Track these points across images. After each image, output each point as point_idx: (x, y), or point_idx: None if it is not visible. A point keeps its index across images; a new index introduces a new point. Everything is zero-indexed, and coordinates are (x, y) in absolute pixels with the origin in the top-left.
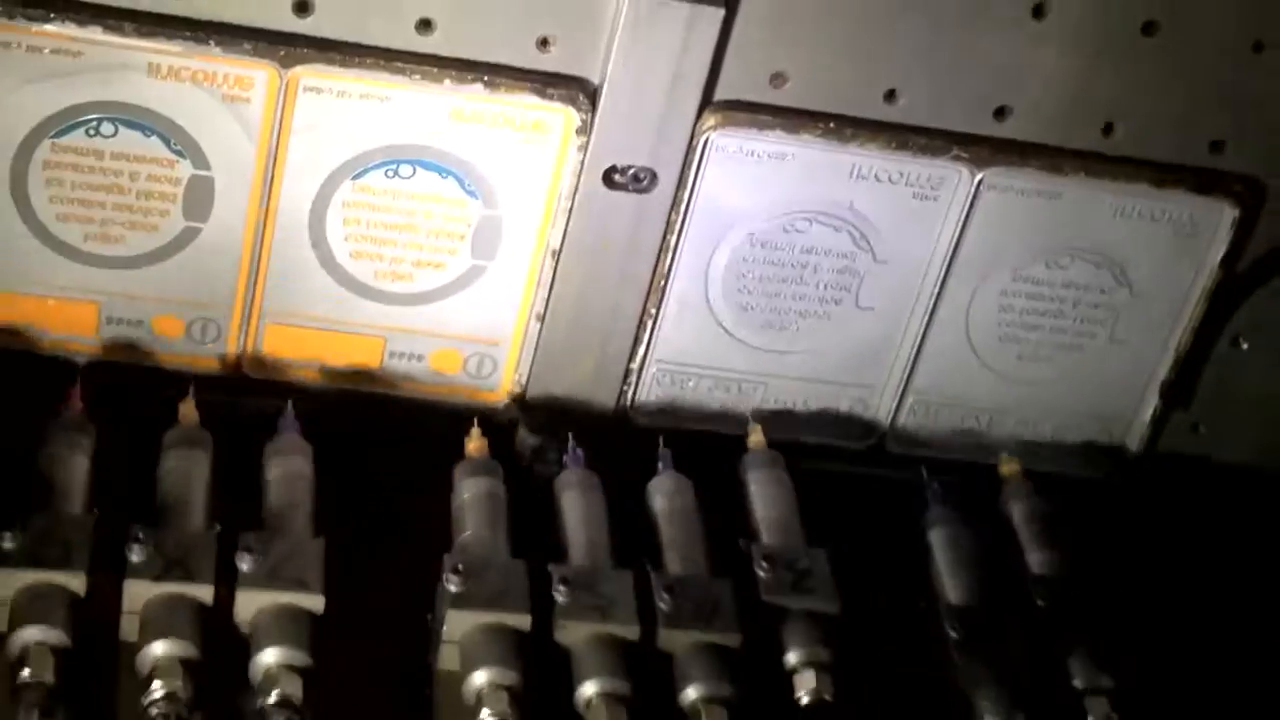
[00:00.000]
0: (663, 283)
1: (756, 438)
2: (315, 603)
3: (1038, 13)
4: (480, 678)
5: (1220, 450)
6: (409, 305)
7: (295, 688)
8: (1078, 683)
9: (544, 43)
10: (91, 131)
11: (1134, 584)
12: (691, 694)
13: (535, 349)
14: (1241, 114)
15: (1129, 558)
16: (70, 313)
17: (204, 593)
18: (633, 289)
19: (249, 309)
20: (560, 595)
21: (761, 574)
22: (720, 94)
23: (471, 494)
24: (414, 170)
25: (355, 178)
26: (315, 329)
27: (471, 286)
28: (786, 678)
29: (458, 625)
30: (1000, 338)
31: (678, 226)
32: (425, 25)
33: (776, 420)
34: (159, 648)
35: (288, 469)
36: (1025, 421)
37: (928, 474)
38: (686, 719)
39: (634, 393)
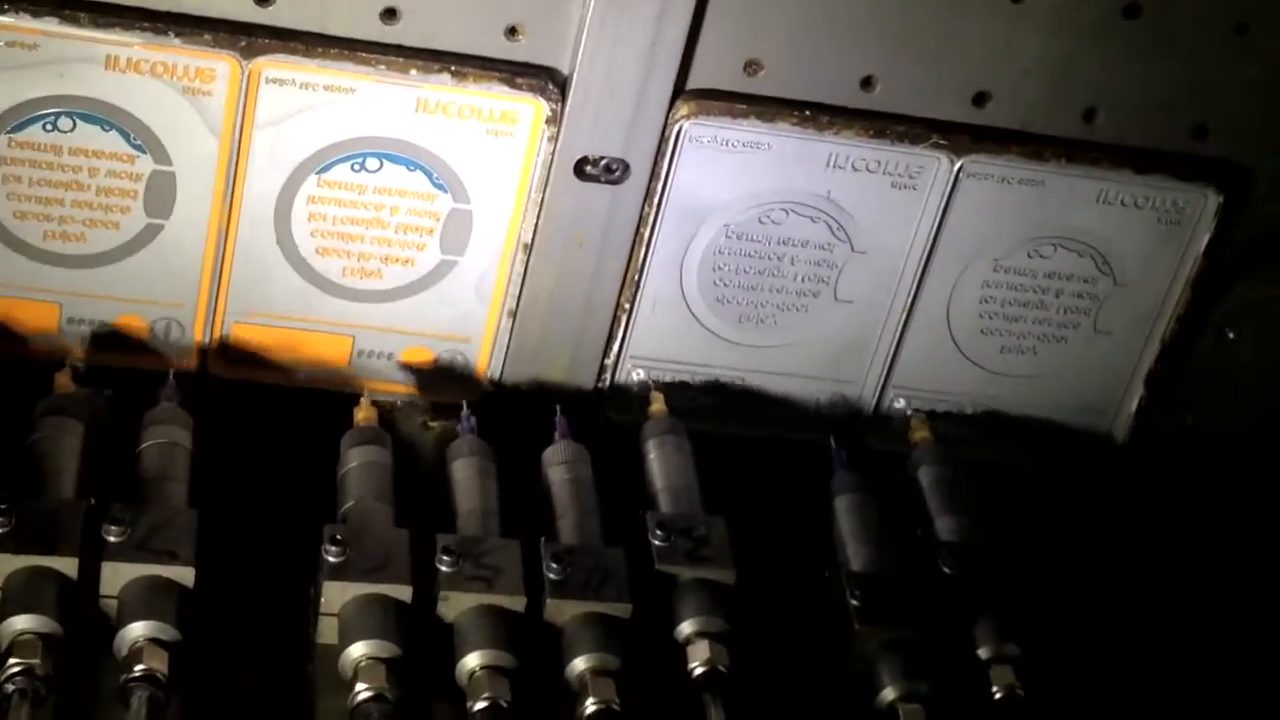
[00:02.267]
0: (637, 276)
1: (657, 405)
2: (185, 575)
3: None
4: (357, 650)
5: (1207, 439)
6: (377, 302)
7: (160, 662)
8: (982, 652)
9: (512, 31)
10: (49, 126)
11: (1120, 569)
12: (579, 665)
13: (508, 346)
14: (1225, 98)
15: (1115, 549)
16: (31, 313)
17: (67, 565)
18: (606, 283)
19: (213, 308)
20: (444, 565)
21: (656, 542)
22: (693, 82)
23: (357, 463)
24: (381, 163)
25: (320, 172)
26: (282, 327)
27: (441, 282)
28: (681, 648)
29: (336, 596)
30: (982, 329)
31: (651, 219)
32: (390, 14)
33: (755, 415)
34: (18, 622)
35: (163, 439)
36: (1009, 414)
37: (835, 443)
38: (573, 691)
39: (609, 388)
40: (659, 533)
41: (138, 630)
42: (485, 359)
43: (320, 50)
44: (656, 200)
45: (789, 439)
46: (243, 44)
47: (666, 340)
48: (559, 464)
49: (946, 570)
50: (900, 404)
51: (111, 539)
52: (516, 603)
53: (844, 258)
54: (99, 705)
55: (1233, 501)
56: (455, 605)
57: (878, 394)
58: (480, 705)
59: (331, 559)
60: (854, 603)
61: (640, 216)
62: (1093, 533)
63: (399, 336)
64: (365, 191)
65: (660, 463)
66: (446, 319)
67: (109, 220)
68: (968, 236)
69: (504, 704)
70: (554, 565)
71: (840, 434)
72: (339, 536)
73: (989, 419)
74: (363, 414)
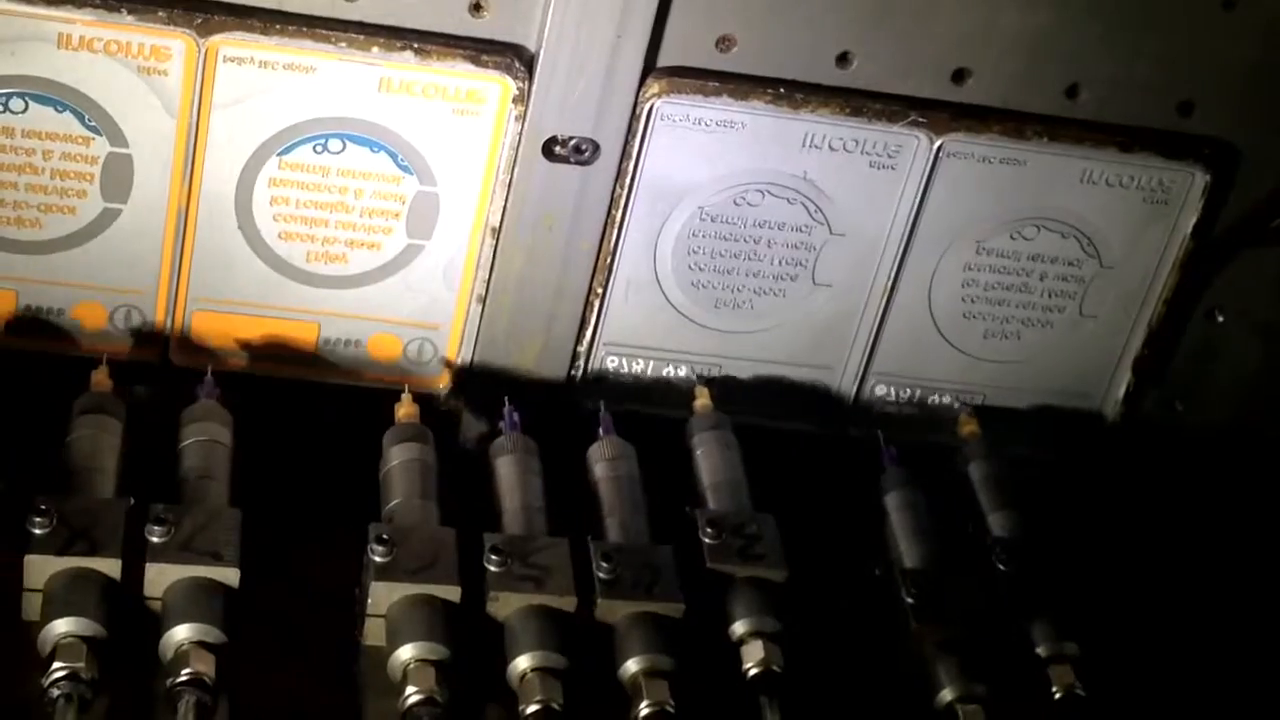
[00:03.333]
0: (609, 260)
1: (703, 400)
2: (230, 575)
3: None
4: (406, 653)
5: (1197, 426)
6: (343, 288)
7: (207, 665)
8: (1041, 650)
9: (476, 7)
10: (0, 108)
11: (1112, 559)
12: (632, 667)
13: (477, 332)
14: (1211, 74)
15: (1106, 535)
16: None
17: (110, 567)
18: (578, 267)
19: (174, 294)
20: (492, 565)
21: (707, 540)
22: (664, 59)
23: (399, 461)
24: (344, 145)
25: (282, 154)
26: (245, 315)
27: (408, 268)
28: (734, 648)
29: (383, 597)
30: (965, 313)
31: (623, 200)
32: None
33: (732, 402)
34: (60, 625)
35: (204, 436)
36: (994, 400)
37: (884, 438)
38: (626, 693)
39: (582, 376)
40: (710, 530)
41: (183, 633)
42: (455, 346)
43: (278, 27)
44: (628, 181)
45: (766, 427)
46: (198, 21)
47: (640, 326)
48: (604, 461)
49: (1001, 567)
50: (881, 390)
51: (155, 540)
52: (567, 603)
53: (822, 240)
54: (146, 709)
55: (1223, 486)
56: (505, 605)
57: (858, 381)
58: (532, 709)
59: (378, 559)
60: (909, 601)
61: (611, 198)
62: (1082, 519)
63: (365, 323)
64: (328, 174)
65: (707, 459)
66: (414, 305)
67: (65, 205)
68: (949, 217)
69: (556, 707)
70: (604, 564)
71: (820, 421)
72: (385, 536)
73: (971, 404)
74: (404, 410)
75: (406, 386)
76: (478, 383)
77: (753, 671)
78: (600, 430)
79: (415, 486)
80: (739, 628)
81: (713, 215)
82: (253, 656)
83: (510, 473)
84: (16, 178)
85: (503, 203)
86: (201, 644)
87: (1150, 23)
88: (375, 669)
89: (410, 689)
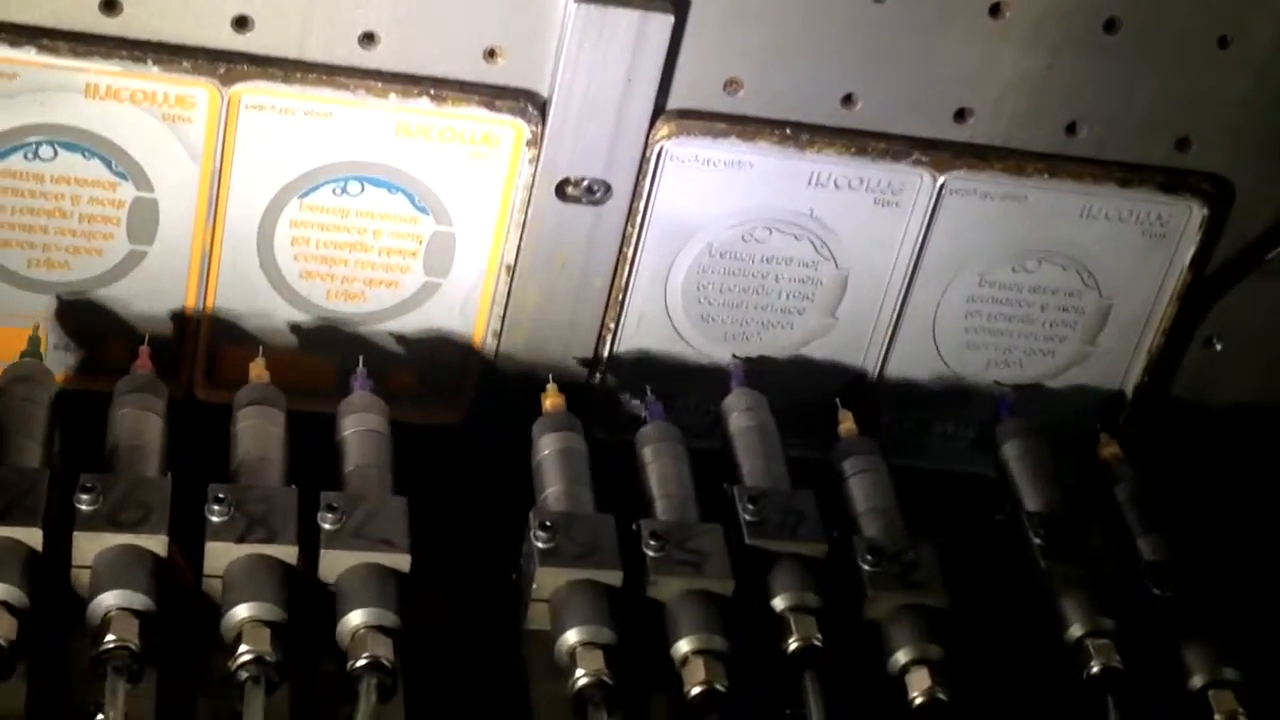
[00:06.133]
0: (621, 296)
1: (848, 425)
2: (401, 561)
3: (995, 12)
4: (573, 636)
5: (1196, 453)
6: (362, 325)
7: (386, 649)
8: (1197, 680)
9: (491, 54)
10: (30, 155)
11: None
12: (780, 603)
13: (493, 366)
14: (1207, 111)
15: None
16: (15, 340)
17: (288, 553)
18: (590, 303)
19: (198, 332)
20: (650, 550)
21: (866, 568)
22: (673, 102)
23: (551, 449)
24: (362, 187)
25: (302, 196)
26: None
27: (425, 304)
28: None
29: (548, 582)
30: (968, 344)
31: (634, 238)
32: (368, 39)
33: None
34: (242, 610)
35: (364, 427)
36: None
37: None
38: (779, 625)
39: (595, 407)
40: (869, 558)
41: (359, 618)
42: (472, 380)
43: (299, 76)
44: (639, 220)
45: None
46: (221, 71)
47: (651, 359)
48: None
49: (1156, 592)
50: (886, 419)
51: (327, 526)
52: (725, 586)
53: (828, 275)
54: (325, 692)
55: (1223, 512)
56: (666, 589)
57: (864, 410)
58: (696, 690)
59: (541, 545)
60: (1038, 541)
61: (623, 236)
62: None
63: (384, 358)
64: (348, 215)
65: (859, 486)
66: (431, 340)
67: (92, 247)
68: (952, 252)
69: (720, 688)
70: (750, 506)
71: (825, 449)
72: (548, 523)
73: (975, 432)
74: (551, 400)
75: (551, 376)
76: (493, 415)
77: (794, 646)
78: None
79: (569, 474)
80: (902, 656)
81: (721, 251)
82: (419, 641)
83: (659, 461)
84: (46, 221)
85: (517, 241)
86: (378, 628)
87: (1147, 62)
88: (540, 652)
89: (579, 671)
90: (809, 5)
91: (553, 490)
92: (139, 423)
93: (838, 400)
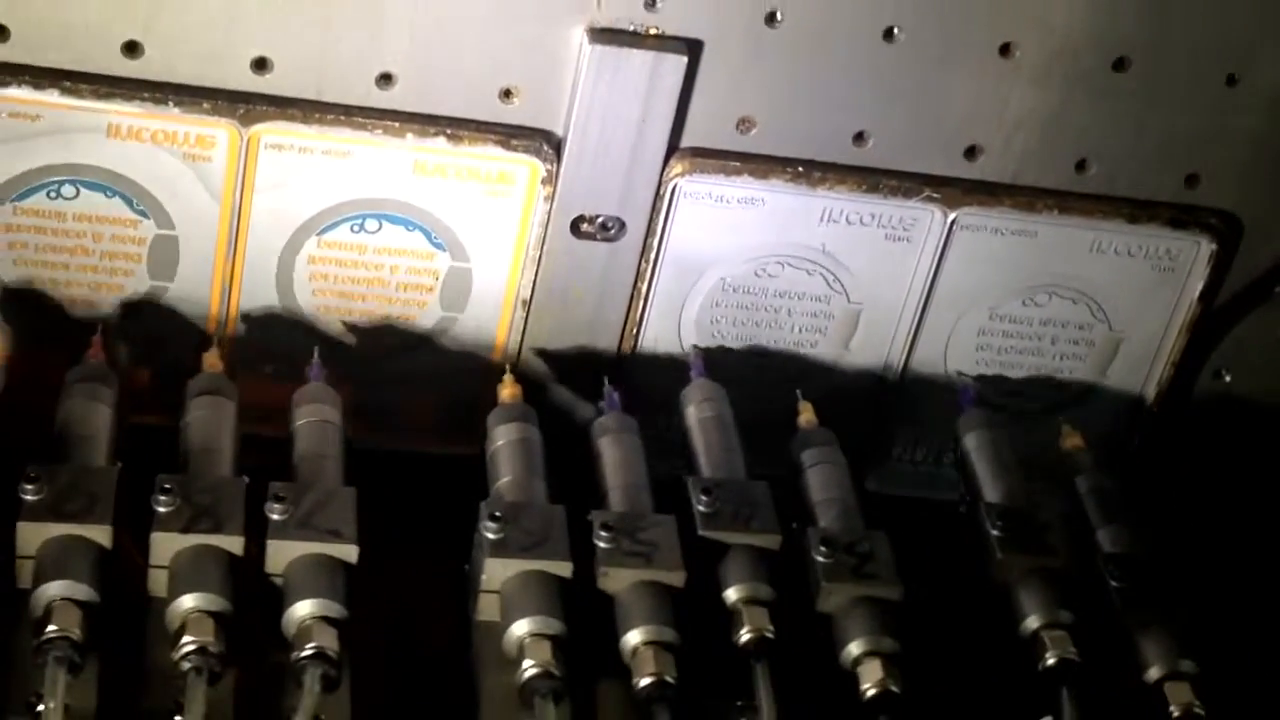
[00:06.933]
0: (635, 330)
1: (807, 415)
2: (349, 552)
3: (1004, 51)
4: (522, 627)
5: (1206, 485)
6: (380, 359)
7: (331, 639)
8: (1154, 671)
9: (507, 94)
10: (53, 194)
11: None
12: (732, 595)
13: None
14: (1215, 148)
15: None
16: None
17: (233, 544)
18: (605, 337)
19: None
20: (602, 541)
21: (820, 559)
22: (687, 140)
23: (505, 440)
24: (380, 224)
25: (321, 233)
26: (285, 385)
27: (442, 338)
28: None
29: (497, 573)
30: (979, 377)
31: (648, 274)
32: (386, 79)
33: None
34: (187, 600)
35: (316, 417)
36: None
37: (960, 376)
38: (731, 617)
39: None
40: (822, 549)
41: (306, 609)
42: (488, 412)
43: (317, 116)
44: (653, 256)
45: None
46: (241, 111)
47: (664, 392)
48: (695, 403)
49: (1114, 583)
50: (898, 450)
51: (274, 517)
52: (676, 577)
53: (840, 309)
54: (271, 682)
55: (1233, 541)
56: (616, 581)
57: (877, 441)
58: (645, 681)
59: (491, 535)
60: (995, 533)
61: (637, 272)
62: None
63: (401, 393)
64: (365, 251)
65: (815, 477)
66: (448, 375)
67: (114, 284)
68: (963, 286)
69: (669, 680)
70: (703, 498)
71: None
72: (498, 514)
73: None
74: (507, 391)
75: (508, 367)
76: None
77: (745, 638)
78: (692, 374)
79: (522, 465)
80: (854, 648)
81: (734, 286)
82: (369, 632)
83: (614, 452)
84: (68, 259)
85: (532, 277)
86: (324, 619)
87: (1156, 100)
88: (490, 643)
89: (527, 663)
90: (820, 45)
91: (505, 480)
92: (87, 412)
93: (798, 392)
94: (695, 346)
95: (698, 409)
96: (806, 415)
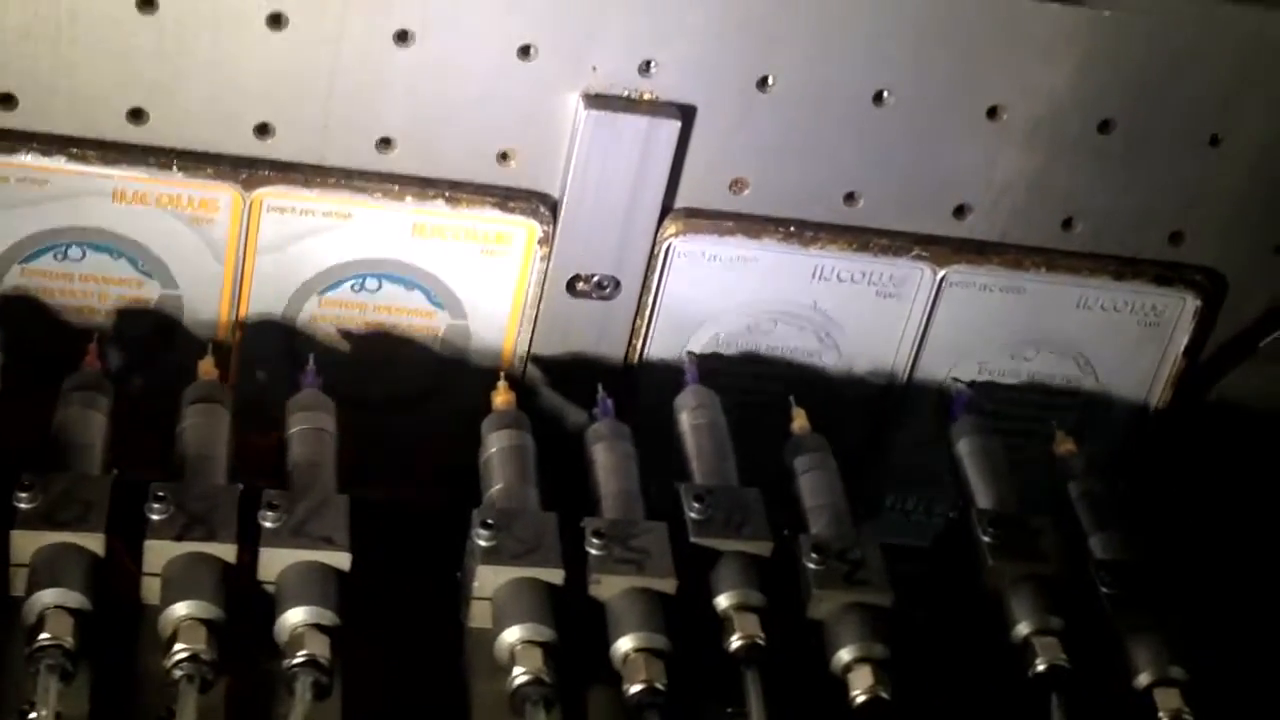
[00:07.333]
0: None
1: (800, 422)
2: (341, 560)
3: (992, 114)
4: (513, 634)
5: (1192, 538)
6: (379, 415)
7: (323, 647)
8: (1144, 677)
9: (504, 157)
10: (60, 255)
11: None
12: (723, 601)
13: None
14: (1199, 206)
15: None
16: None
17: (226, 552)
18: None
19: None
20: (594, 549)
21: (811, 566)
22: (681, 201)
23: (499, 447)
24: (380, 284)
25: (322, 292)
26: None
27: (441, 394)
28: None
29: (488, 581)
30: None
31: (643, 331)
32: (385, 143)
33: None
34: (179, 608)
35: (309, 425)
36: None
37: (954, 382)
38: (721, 623)
39: None
40: (814, 556)
41: (298, 616)
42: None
43: (319, 180)
44: (648, 313)
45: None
46: (244, 176)
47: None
48: (689, 409)
49: (1105, 590)
50: (890, 500)
51: (267, 525)
52: (668, 584)
53: (832, 363)
54: (263, 690)
55: (1217, 593)
56: (608, 588)
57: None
58: (636, 688)
59: (483, 543)
60: (986, 540)
61: (632, 329)
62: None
63: (401, 449)
64: (366, 310)
65: (808, 483)
66: (447, 431)
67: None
68: (952, 341)
69: (660, 687)
70: (696, 505)
71: None
72: (490, 521)
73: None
74: (501, 398)
75: (503, 374)
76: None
77: (736, 645)
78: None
79: (515, 472)
80: (845, 654)
81: (728, 342)
82: (361, 640)
83: (607, 459)
84: (75, 318)
85: (529, 334)
86: (316, 626)
87: (1140, 160)
88: (481, 651)
89: (518, 670)
90: (811, 108)
91: (498, 488)
92: (83, 420)
93: (790, 398)
94: (690, 353)
95: (691, 415)
96: (799, 421)
